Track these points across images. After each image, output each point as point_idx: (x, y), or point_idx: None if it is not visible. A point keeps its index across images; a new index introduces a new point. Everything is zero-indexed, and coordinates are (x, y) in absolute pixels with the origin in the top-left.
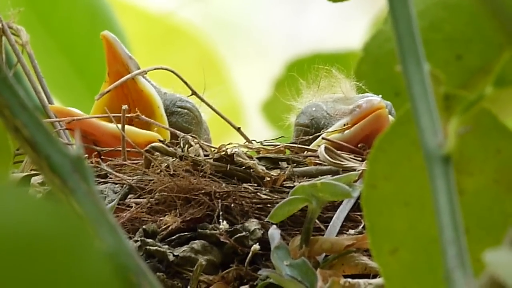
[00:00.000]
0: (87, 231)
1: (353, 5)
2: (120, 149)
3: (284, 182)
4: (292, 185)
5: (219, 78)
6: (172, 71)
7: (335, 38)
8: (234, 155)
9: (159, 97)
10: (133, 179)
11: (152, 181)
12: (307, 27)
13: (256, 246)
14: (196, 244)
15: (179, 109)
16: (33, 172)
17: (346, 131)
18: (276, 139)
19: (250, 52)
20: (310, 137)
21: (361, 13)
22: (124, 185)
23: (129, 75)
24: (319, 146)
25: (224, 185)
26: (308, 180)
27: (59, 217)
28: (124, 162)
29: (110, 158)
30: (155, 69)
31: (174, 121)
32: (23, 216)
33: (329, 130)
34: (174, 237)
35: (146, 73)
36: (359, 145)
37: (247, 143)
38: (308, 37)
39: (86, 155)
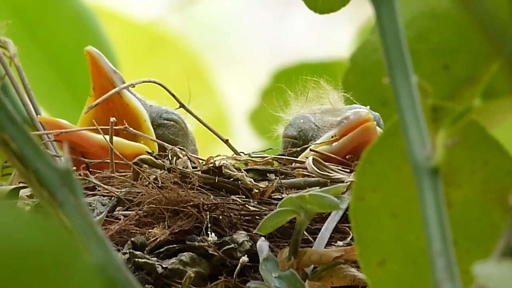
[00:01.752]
0: (76, 245)
1: (337, 12)
2: (108, 161)
3: (272, 194)
4: (280, 197)
5: (205, 86)
6: (160, 84)
7: (319, 44)
8: (222, 167)
9: (145, 110)
10: (121, 192)
11: (141, 193)
12: (290, 34)
13: (245, 258)
14: (185, 256)
15: (165, 121)
16: (21, 184)
17: (334, 143)
18: (264, 151)
19: (233, 59)
20: (298, 149)
21: (345, 20)
22: (113, 198)
23: (117, 88)
24: (307, 157)
25: (212, 197)
26: (296, 192)
27: (48, 231)
28: (112, 175)
29: (99, 170)
30: (142, 82)
31: (160, 134)
32: (11, 231)
33: (317, 142)
34: (162, 249)
35: (134, 86)
36: (347, 157)
37: (235, 155)
38: (292, 43)
39: (74, 167)
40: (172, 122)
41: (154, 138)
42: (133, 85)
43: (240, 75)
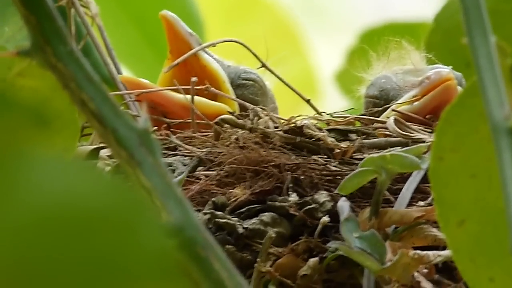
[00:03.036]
0: (147, 204)
1: None
2: (190, 121)
3: (354, 154)
4: (361, 157)
5: (296, 47)
6: (241, 43)
7: (426, 11)
8: (304, 127)
9: (223, 71)
10: (202, 152)
11: (222, 153)
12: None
13: (326, 218)
14: (266, 216)
15: (244, 81)
16: (102, 144)
17: (415, 103)
18: (346, 110)
19: (336, 23)
20: (380, 108)
21: None
22: (194, 158)
23: (198, 47)
24: (388, 117)
25: (293, 157)
26: (377, 152)
27: (118, 190)
28: (194, 135)
29: (180, 130)
30: (223, 41)
31: (240, 94)
32: (81, 190)
33: (399, 101)
34: (243, 209)
35: (214, 46)
36: (427, 117)
37: (316, 115)
38: (398, 10)
39: (156, 127)
40: (251, 82)
41: (235, 98)
42: (213, 45)
43: (336, 37)
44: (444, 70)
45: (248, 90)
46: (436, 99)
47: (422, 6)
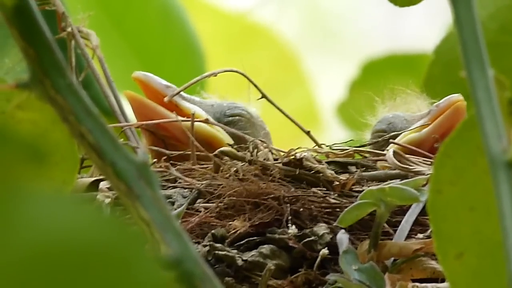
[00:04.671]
0: (143, 239)
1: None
2: (189, 152)
3: (353, 186)
4: (361, 190)
5: (298, 78)
6: (241, 73)
7: (435, 40)
8: (303, 159)
9: (207, 111)
10: (202, 184)
11: (221, 186)
12: (407, 28)
13: (325, 251)
14: (265, 248)
15: (230, 118)
16: (102, 176)
17: (424, 129)
18: (345, 142)
19: (345, 52)
20: (386, 136)
21: None
22: (193, 190)
23: (201, 76)
24: (387, 150)
25: (293, 189)
26: (377, 185)
27: (113, 225)
28: (193, 167)
29: (179, 163)
30: (224, 71)
31: (229, 132)
32: (76, 226)
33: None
34: (243, 241)
35: (216, 75)
36: (435, 145)
37: (316, 147)
38: (407, 39)
39: (155, 160)
40: (237, 117)
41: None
42: (215, 74)
43: (342, 67)
44: (454, 95)
45: (237, 126)
46: (445, 123)
47: (432, 34)
